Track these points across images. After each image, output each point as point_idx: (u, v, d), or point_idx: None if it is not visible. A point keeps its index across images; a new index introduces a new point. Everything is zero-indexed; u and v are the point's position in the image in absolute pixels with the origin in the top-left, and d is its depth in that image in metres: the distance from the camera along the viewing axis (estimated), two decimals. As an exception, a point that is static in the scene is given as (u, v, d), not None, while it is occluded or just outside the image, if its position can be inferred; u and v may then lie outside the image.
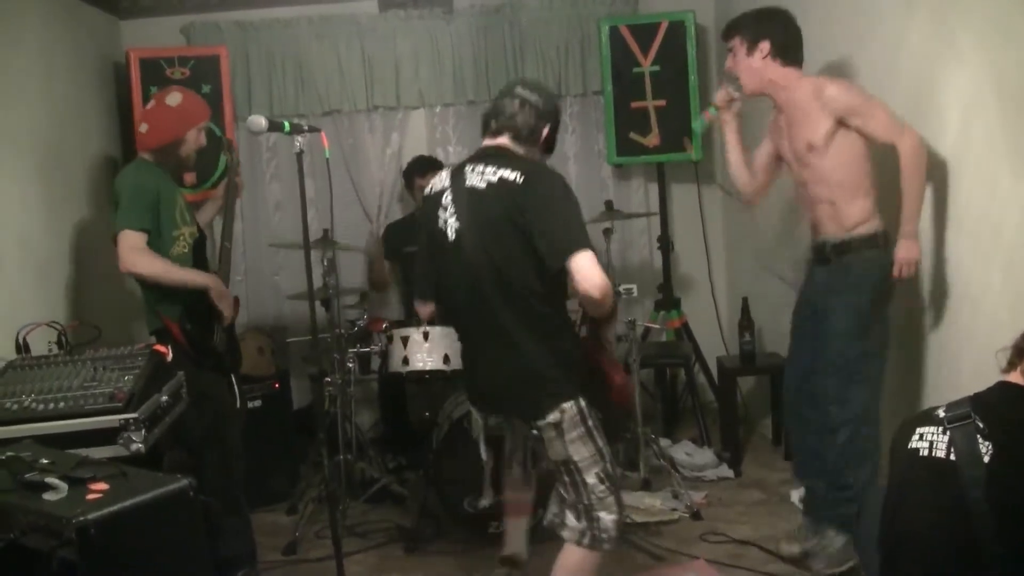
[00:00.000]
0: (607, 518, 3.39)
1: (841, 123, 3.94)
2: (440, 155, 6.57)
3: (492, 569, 4.09)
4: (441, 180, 3.49)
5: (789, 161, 4.23)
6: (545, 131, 3.46)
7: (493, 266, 3.28)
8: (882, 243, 3.96)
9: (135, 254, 4.04)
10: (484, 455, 3.83)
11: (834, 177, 4.00)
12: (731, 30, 4.20)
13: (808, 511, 4.31)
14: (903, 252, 3.87)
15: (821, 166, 4.02)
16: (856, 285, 3.98)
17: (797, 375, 4.31)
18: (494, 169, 3.30)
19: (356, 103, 6.46)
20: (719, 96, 4.32)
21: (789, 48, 4.10)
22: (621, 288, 5.25)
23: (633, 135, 6.31)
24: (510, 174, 3.26)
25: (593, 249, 3.20)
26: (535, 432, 3.38)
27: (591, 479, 3.36)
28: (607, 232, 5.34)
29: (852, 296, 3.99)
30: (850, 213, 3.98)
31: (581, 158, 6.73)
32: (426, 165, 5.91)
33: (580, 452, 3.34)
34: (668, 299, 6.39)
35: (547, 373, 3.31)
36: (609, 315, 3.47)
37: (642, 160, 6.42)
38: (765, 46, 4.07)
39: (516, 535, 3.93)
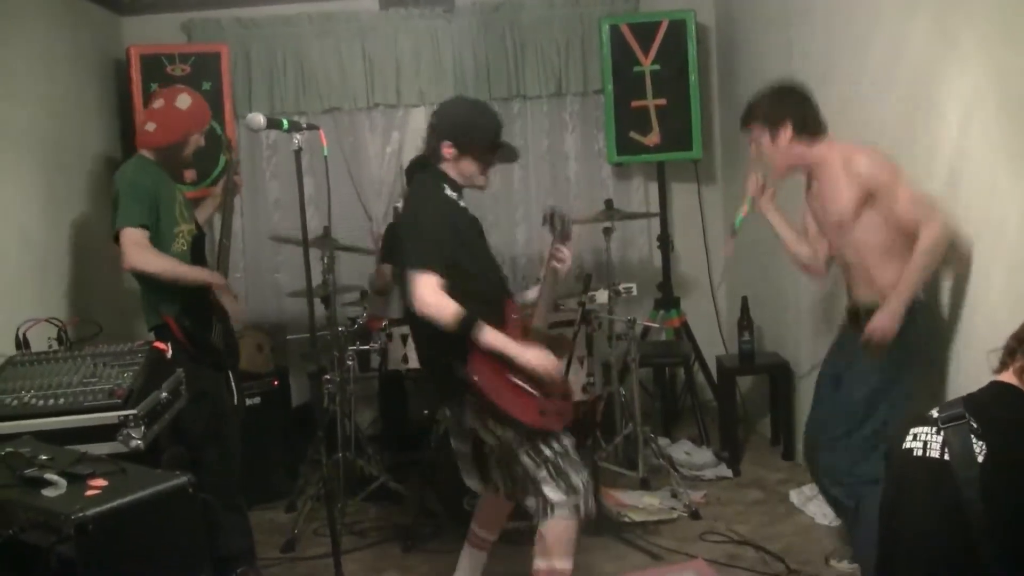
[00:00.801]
0: (552, 496, 3.49)
1: (868, 198, 3.84)
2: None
3: (492, 567, 4.09)
4: None
5: (823, 227, 4.15)
6: (445, 148, 3.62)
7: None
8: (922, 310, 3.85)
9: (139, 251, 4.05)
10: (454, 445, 3.91)
11: (866, 242, 3.90)
12: (748, 118, 4.10)
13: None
14: (878, 321, 3.78)
15: (852, 235, 3.93)
16: (886, 355, 3.83)
17: (815, 427, 4.21)
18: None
19: (356, 101, 6.46)
20: (751, 188, 4.26)
21: (810, 122, 4.01)
22: (621, 287, 5.27)
23: (633, 134, 6.32)
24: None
25: (437, 271, 3.42)
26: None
27: (523, 458, 3.51)
28: (607, 231, 5.34)
29: (880, 365, 3.85)
30: (883, 276, 3.86)
31: (581, 157, 6.73)
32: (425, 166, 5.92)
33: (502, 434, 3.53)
34: (667, 298, 6.40)
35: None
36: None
37: (642, 159, 6.42)
38: (787, 129, 3.98)
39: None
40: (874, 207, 3.85)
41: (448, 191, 3.63)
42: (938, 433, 2.41)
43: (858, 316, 3.95)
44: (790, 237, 4.35)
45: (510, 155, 3.83)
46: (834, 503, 4.09)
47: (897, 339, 3.76)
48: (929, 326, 3.89)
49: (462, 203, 3.67)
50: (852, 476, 3.84)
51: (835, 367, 4.12)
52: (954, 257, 3.80)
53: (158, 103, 4.44)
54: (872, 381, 3.84)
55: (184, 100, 4.37)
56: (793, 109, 4.01)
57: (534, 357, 3.47)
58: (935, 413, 2.45)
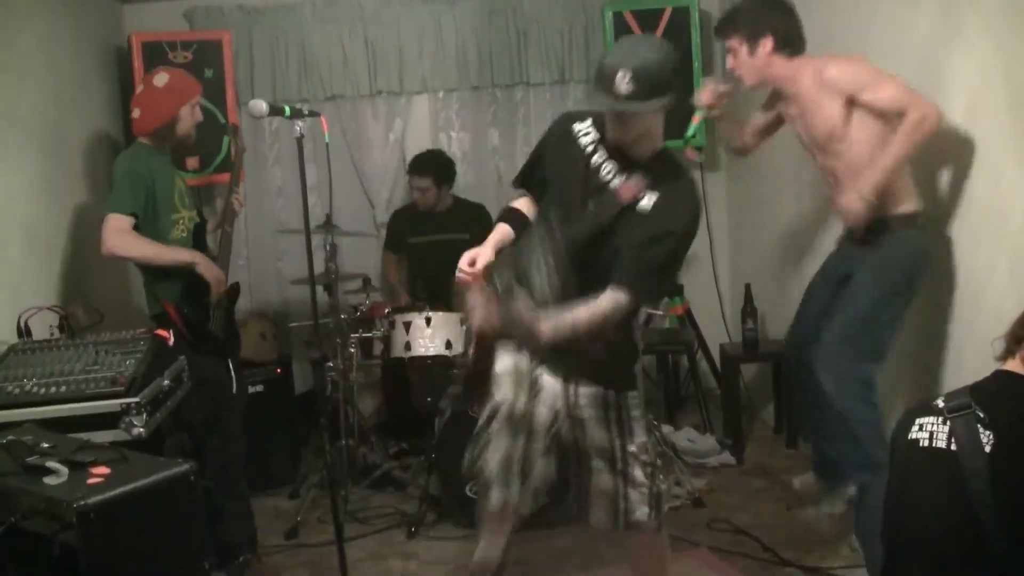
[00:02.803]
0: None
1: (852, 103, 3.80)
2: (443, 140, 6.57)
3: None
4: None
5: (811, 151, 4.09)
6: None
7: None
8: (920, 224, 3.82)
9: (115, 236, 4.04)
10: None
11: (861, 160, 3.81)
12: (727, 28, 4.04)
13: (820, 475, 4.32)
14: (844, 202, 3.79)
15: (846, 151, 3.87)
16: (886, 263, 3.84)
17: (797, 341, 4.25)
18: None
19: (359, 88, 6.44)
20: (704, 96, 4.17)
21: (792, 38, 3.96)
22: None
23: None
24: None
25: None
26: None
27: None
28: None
29: (880, 273, 3.85)
30: (891, 188, 3.78)
31: (585, 144, 6.71)
32: (413, 167, 6.01)
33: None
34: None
35: None
36: None
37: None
38: (768, 42, 3.93)
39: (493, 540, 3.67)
40: (860, 111, 3.80)
41: None
42: (944, 423, 2.40)
43: (860, 233, 3.92)
44: (735, 126, 4.39)
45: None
46: (817, 406, 4.03)
47: (911, 246, 3.81)
48: (921, 252, 3.86)
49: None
50: (849, 370, 3.82)
51: (839, 268, 4.09)
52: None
53: (139, 89, 4.44)
54: (888, 282, 3.83)
55: (161, 78, 4.34)
56: (776, 21, 3.95)
57: None
58: (940, 403, 2.44)
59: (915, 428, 2.48)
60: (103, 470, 2.67)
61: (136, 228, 4.08)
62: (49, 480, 2.60)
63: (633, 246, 2.91)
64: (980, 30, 3.63)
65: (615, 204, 2.96)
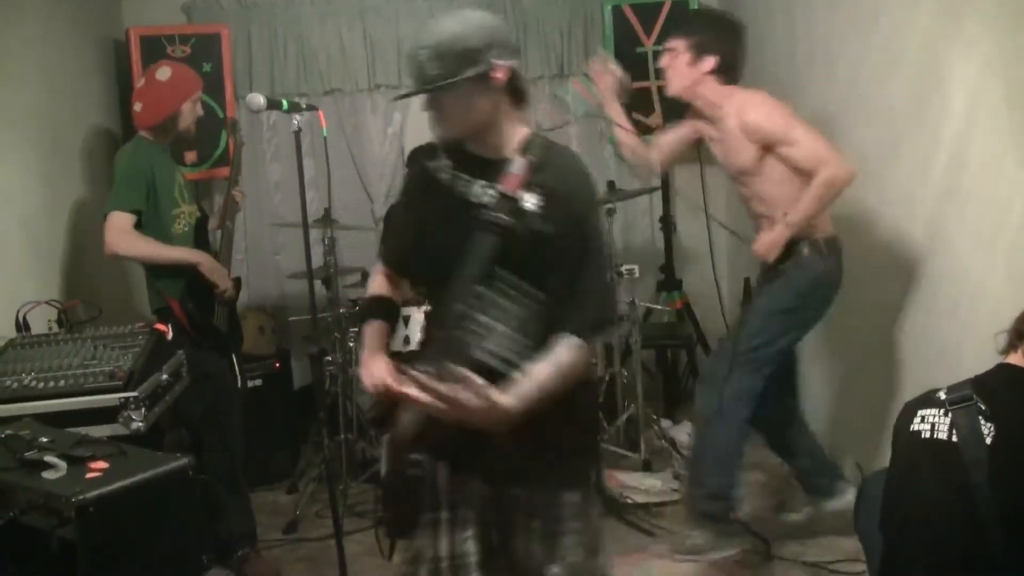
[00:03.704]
0: None
1: (768, 150, 3.87)
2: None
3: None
4: None
5: (728, 172, 4.17)
6: None
7: None
8: (824, 250, 3.93)
9: (119, 236, 4.04)
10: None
11: (769, 196, 3.96)
12: (679, 31, 4.06)
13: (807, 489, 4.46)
14: (762, 239, 3.94)
15: (756, 186, 3.98)
16: (782, 286, 3.98)
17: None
18: None
19: (358, 82, 6.42)
20: (593, 65, 4.25)
21: (733, 68, 4.00)
22: (623, 269, 5.26)
23: (636, 115, 6.28)
24: None
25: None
26: None
27: None
28: (609, 212, 5.32)
29: (775, 295, 4.01)
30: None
31: (583, 138, 6.70)
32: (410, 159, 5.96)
33: None
34: (670, 280, 6.38)
35: None
36: None
37: (644, 140, 6.38)
38: (711, 62, 3.96)
39: None
40: (774, 157, 3.87)
41: None
42: (946, 415, 2.40)
43: (766, 261, 4.04)
44: (624, 129, 4.37)
45: None
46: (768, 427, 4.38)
47: (811, 269, 3.92)
48: (823, 278, 3.98)
49: None
50: (725, 386, 3.96)
51: (756, 292, 4.26)
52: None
53: (141, 82, 4.43)
54: (782, 302, 3.99)
55: (164, 72, 4.34)
56: (728, 46, 3.98)
57: None
58: (942, 395, 2.44)
59: (917, 420, 2.48)
60: (101, 465, 2.67)
61: (138, 224, 4.08)
62: (47, 475, 2.60)
63: (545, 267, 2.41)
64: (980, 27, 3.62)
65: (501, 208, 2.43)
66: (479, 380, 2.23)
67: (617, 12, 6.21)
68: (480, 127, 2.49)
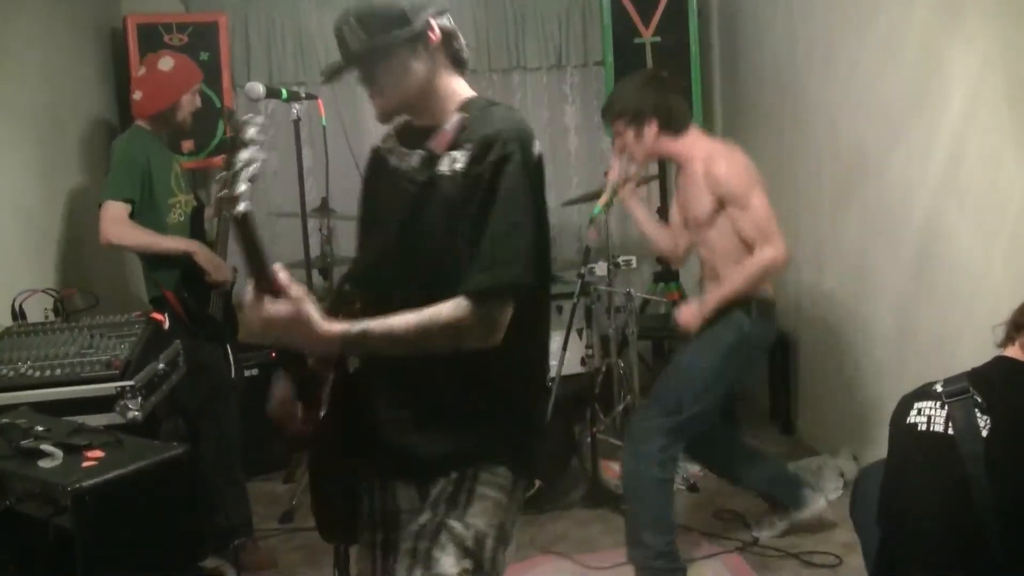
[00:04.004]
0: None
1: (720, 205, 3.89)
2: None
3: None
4: None
5: (686, 218, 4.16)
6: None
7: None
8: (755, 312, 3.92)
9: (114, 225, 4.03)
10: None
11: (718, 246, 3.97)
12: (611, 112, 4.08)
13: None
14: (687, 310, 3.99)
15: (707, 234, 3.99)
16: (706, 342, 3.96)
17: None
18: None
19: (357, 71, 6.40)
20: (612, 175, 4.25)
21: (676, 116, 3.99)
22: (620, 259, 5.25)
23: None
24: None
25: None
26: None
27: None
28: (607, 205, 5.30)
29: (698, 351, 3.99)
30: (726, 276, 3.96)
31: (581, 129, 6.71)
32: None
33: None
34: (666, 271, 6.37)
35: None
36: None
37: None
38: (653, 124, 3.97)
39: None
40: (725, 213, 3.89)
41: None
42: (942, 408, 2.40)
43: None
44: (653, 229, 4.36)
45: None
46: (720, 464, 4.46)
47: (737, 327, 3.89)
48: (749, 340, 3.95)
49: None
50: (648, 442, 3.93)
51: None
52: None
53: (141, 71, 4.41)
54: (709, 359, 3.95)
55: (167, 62, 4.33)
56: (658, 103, 3.98)
57: None
58: (939, 387, 2.44)
59: (913, 412, 2.47)
60: (98, 453, 2.66)
61: (132, 214, 4.07)
62: (44, 463, 2.60)
63: (456, 225, 2.18)
64: (980, 20, 3.62)
65: (420, 170, 2.28)
66: (298, 292, 2.06)
67: (615, 3, 6.18)
68: (419, 96, 2.32)
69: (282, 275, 2.08)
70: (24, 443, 2.68)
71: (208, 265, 4.21)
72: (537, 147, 2.23)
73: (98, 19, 5.80)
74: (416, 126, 2.40)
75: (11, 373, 3.25)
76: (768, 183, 5.21)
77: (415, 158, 2.31)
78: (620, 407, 5.44)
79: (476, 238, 2.13)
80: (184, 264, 4.18)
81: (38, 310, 3.88)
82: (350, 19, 2.28)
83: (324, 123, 3.99)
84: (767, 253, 3.80)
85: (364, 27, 2.26)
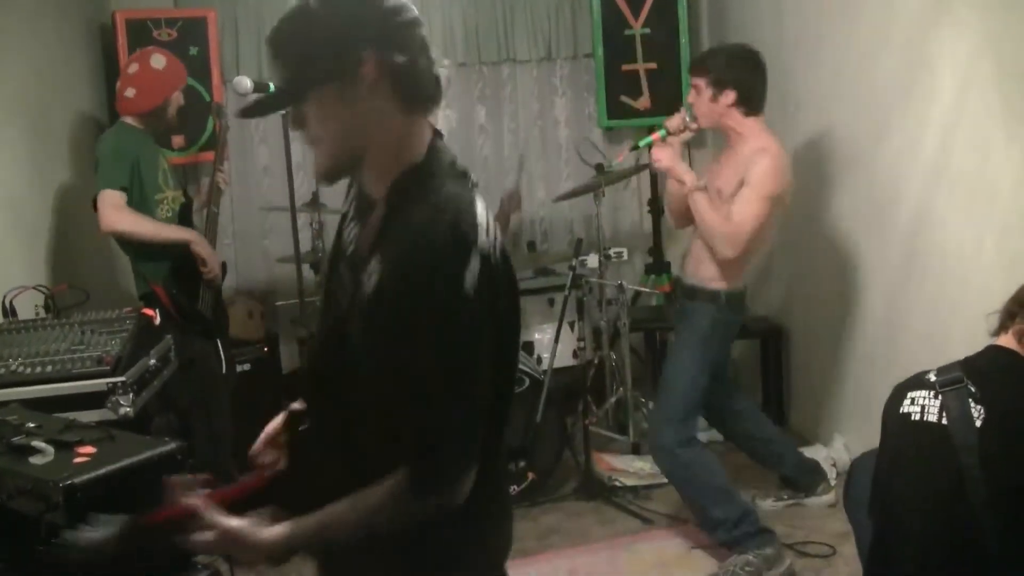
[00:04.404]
0: None
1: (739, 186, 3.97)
2: (429, 118, 6.54)
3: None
4: None
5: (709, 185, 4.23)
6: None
7: None
8: (723, 302, 4.09)
9: (115, 212, 4.04)
10: None
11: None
12: (699, 67, 4.14)
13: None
14: (662, 149, 4.12)
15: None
16: (689, 330, 4.17)
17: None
18: None
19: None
20: (674, 121, 4.24)
21: (754, 100, 4.06)
22: (612, 252, 5.25)
23: (624, 98, 6.28)
24: None
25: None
26: None
27: None
28: (597, 195, 5.31)
29: (685, 337, 4.20)
30: (709, 268, 4.08)
31: (572, 121, 6.70)
32: None
33: None
34: (658, 263, 6.38)
35: None
36: None
37: (633, 124, 6.38)
38: (730, 95, 4.02)
39: None
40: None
41: None
42: (936, 397, 2.40)
43: (679, 287, 4.34)
44: (678, 188, 4.30)
45: None
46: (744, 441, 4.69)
47: (710, 318, 4.10)
48: (719, 324, 4.15)
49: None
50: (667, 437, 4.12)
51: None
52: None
53: (133, 67, 4.41)
54: (689, 345, 4.17)
55: (159, 60, 4.34)
56: (744, 79, 4.04)
57: None
58: (932, 377, 2.44)
59: (907, 402, 2.47)
60: (89, 449, 2.65)
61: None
62: (35, 460, 2.58)
63: (381, 366, 1.73)
64: (969, 7, 3.62)
65: (352, 285, 1.84)
66: (229, 523, 1.77)
67: (605, -5, 6.20)
68: (355, 151, 1.83)
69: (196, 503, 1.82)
70: (15, 440, 2.66)
71: (205, 254, 4.21)
72: (483, 246, 1.72)
73: (87, 14, 5.78)
74: (361, 188, 1.95)
75: (2, 370, 3.23)
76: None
77: (355, 244, 1.89)
78: (612, 399, 5.45)
79: (402, 398, 1.70)
80: (173, 259, 4.18)
81: (28, 307, 3.87)
82: (269, 46, 1.83)
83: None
84: (728, 233, 3.94)
85: (281, 59, 1.81)
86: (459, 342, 1.68)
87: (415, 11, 1.81)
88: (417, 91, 1.82)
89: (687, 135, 4.27)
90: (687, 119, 4.20)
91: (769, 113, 4.33)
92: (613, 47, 6.23)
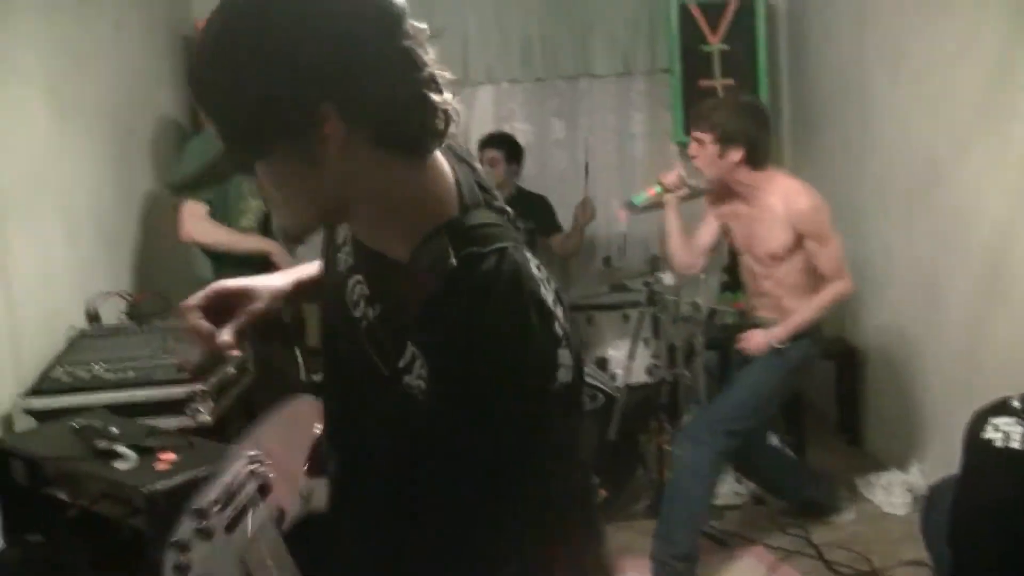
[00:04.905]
0: None
1: (800, 238, 3.96)
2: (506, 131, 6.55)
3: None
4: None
5: (743, 252, 4.26)
6: None
7: None
8: (813, 332, 4.09)
9: (195, 222, 4.11)
10: None
11: (787, 280, 4.08)
12: (703, 122, 4.06)
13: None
14: (760, 335, 4.11)
15: (777, 269, 4.08)
16: (777, 361, 4.08)
17: None
18: None
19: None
20: (670, 178, 4.26)
21: (761, 153, 4.02)
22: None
23: (701, 114, 6.26)
24: None
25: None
26: None
27: None
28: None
29: (767, 371, 4.11)
30: (792, 308, 4.07)
31: (648, 136, 6.68)
32: (485, 140, 5.90)
33: None
34: (734, 280, 6.33)
35: None
36: None
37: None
38: (738, 153, 3.97)
39: None
40: (800, 250, 3.98)
41: None
42: (1019, 424, 2.36)
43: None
44: (679, 242, 4.41)
45: None
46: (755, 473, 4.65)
47: (802, 351, 4.08)
48: (806, 358, 4.16)
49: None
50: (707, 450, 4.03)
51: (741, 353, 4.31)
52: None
53: None
54: (772, 376, 4.11)
55: None
56: (751, 134, 3.99)
57: None
58: (1016, 403, 2.40)
59: (988, 428, 2.44)
60: (170, 456, 2.70)
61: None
62: (119, 465, 2.64)
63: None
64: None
65: (387, 359, 1.43)
66: None
67: (683, 9, 6.17)
68: (337, 204, 1.41)
69: None
70: (100, 444, 2.72)
71: (285, 266, 4.25)
72: (560, 312, 1.35)
73: (171, 24, 5.88)
74: (367, 248, 1.51)
75: (87, 375, 3.30)
76: (836, 189, 5.22)
77: (373, 313, 1.48)
78: (686, 417, 5.41)
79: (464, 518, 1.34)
80: (253, 267, 4.23)
81: (112, 313, 3.94)
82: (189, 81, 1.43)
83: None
84: (840, 286, 3.99)
85: (221, 119, 1.37)
86: (543, 429, 1.34)
87: (391, 13, 1.35)
88: (406, 133, 1.36)
89: (684, 192, 4.27)
90: (683, 175, 4.21)
91: (848, 130, 4.31)
92: (691, 63, 6.22)
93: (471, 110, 6.55)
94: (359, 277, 1.51)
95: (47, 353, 3.53)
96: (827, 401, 6.02)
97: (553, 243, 5.92)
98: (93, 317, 3.83)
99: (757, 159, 3.99)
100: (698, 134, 4.06)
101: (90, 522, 2.60)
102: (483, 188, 1.48)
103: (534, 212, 5.93)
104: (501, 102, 6.64)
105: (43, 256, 3.71)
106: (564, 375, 1.31)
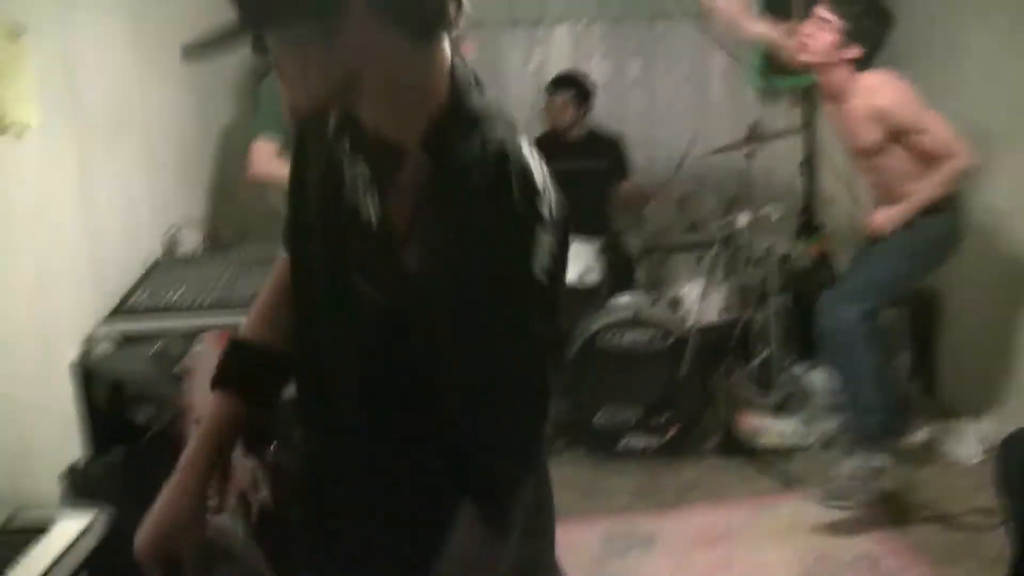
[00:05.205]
0: None
1: (894, 136, 3.89)
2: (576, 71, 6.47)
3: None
4: None
5: (847, 149, 4.21)
6: None
7: None
8: (946, 207, 3.96)
9: (264, 160, 4.13)
10: None
11: (896, 170, 4.00)
12: (840, 6, 3.93)
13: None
14: (883, 216, 4.01)
15: (880, 162, 4.01)
16: (911, 241, 4.02)
17: None
18: None
19: (497, 16, 6.35)
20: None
21: (870, 62, 3.94)
22: (761, 212, 5.18)
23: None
24: None
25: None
26: None
27: None
28: (749, 154, 5.23)
29: (904, 250, 4.05)
30: (911, 193, 3.97)
31: (726, 79, 6.59)
32: (554, 82, 5.88)
33: None
34: (809, 224, 6.27)
35: None
36: None
37: (789, 83, 6.25)
38: (855, 52, 3.89)
39: None
40: (900, 141, 3.89)
41: None
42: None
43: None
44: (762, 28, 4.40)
45: None
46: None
47: (939, 226, 3.99)
48: (941, 235, 4.05)
49: None
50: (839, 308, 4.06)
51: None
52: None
53: None
54: (911, 251, 4.06)
55: None
56: (877, 37, 3.91)
57: None
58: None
59: None
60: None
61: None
62: (195, 389, 2.69)
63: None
64: None
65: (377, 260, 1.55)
66: None
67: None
68: (348, 84, 1.47)
69: None
70: (176, 369, 2.78)
71: None
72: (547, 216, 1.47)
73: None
74: (363, 122, 1.56)
75: (165, 301, 3.36)
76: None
77: (374, 193, 1.56)
78: (757, 360, 5.39)
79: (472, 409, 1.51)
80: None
81: (190, 242, 4.00)
82: None
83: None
84: (955, 163, 3.87)
85: None
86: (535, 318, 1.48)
87: None
88: (422, 18, 1.43)
89: (761, 30, 4.34)
90: (786, 37, 4.19)
91: (933, 66, 4.20)
92: (772, 3, 6.11)
93: (548, 50, 6.50)
94: (359, 158, 1.56)
95: (127, 280, 3.60)
96: (901, 347, 5.95)
97: (620, 190, 5.85)
98: (171, 246, 3.89)
99: (868, 62, 3.94)
100: (826, 15, 3.95)
101: (170, 443, 2.66)
102: (476, 79, 1.58)
103: (608, 151, 5.89)
104: (579, 42, 6.58)
105: (124, 186, 3.76)
106: (547, 255, 1.44)
